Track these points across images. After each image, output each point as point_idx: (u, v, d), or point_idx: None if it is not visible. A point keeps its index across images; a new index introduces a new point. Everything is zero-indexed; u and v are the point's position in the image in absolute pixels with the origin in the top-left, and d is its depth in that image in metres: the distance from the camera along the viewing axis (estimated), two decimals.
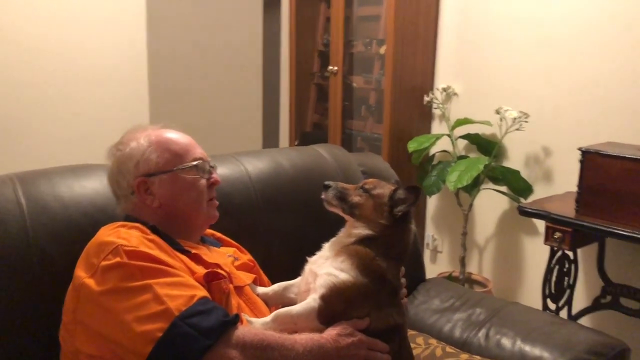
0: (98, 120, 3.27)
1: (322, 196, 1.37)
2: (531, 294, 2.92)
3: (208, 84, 4.06)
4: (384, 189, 1.36)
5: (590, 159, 2.26)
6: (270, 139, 4.46)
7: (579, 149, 2.28)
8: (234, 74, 4.20)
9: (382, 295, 1.32)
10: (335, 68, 3.46)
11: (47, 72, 3.10)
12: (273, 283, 1.46)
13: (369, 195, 1.35)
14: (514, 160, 2.97)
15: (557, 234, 2.32)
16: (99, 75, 3.24)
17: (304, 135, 3.99)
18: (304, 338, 1.18)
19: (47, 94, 3.12)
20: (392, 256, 1.34)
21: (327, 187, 1.37)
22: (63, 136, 3.19)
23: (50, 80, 3.12)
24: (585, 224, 2.23)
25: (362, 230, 1.33)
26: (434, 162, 3.18)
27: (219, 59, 4.12)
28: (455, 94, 3.17)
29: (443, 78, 3.24)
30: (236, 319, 1.13)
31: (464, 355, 1.57)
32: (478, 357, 1.56)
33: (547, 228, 2.36)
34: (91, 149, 2.79)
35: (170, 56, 3.82)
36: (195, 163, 1.34)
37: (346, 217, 1.37)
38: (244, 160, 1.79)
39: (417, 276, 1.99)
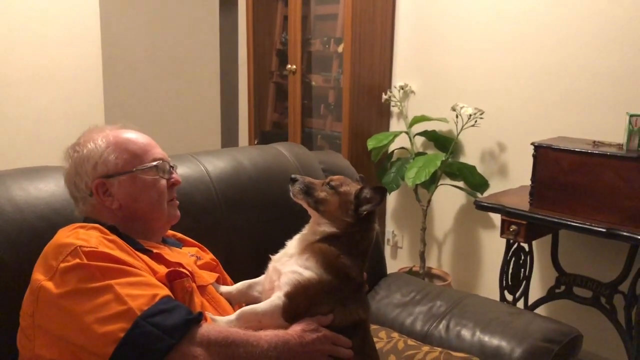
0: (51, 122, 3.19)
1: (289, 189, 1.38)
2: (489, 286, 2.99)
3: (164, 83, 4.02)
4: (350, 187, 1.37)
5: (543, 153, 2.33)
6: (229, 139, 4.43)
7: (532, 143, 2.35)
8: (191, 73, 4.16)
9: (347, 292, 1.34)
10: (294, 67, 3.47)
11: None
12: (236, 282, 1.46)
13: (335, 192, 1.36)
14: (470, 156, 3.04)
15: (513, 227, 2.38)
16: (52, 74, 3.16)
17: (264, 135, 3.99)
18: (268, 334, 1.19)
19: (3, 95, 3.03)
20: (355, 254, 1.36)
21: (294, 181, 1.39)
22: (15, 138, 3.10)
23: (1, 79, 3.03)
24: (539, 216, 2.30)
25: (326, 228, 1.34)
26: (393, 159, 3.22)
27: (176, 57, 4.08)
28: (412, 91, 3.22)
29: (400, 76, 3.28)
30: (200, 317, 1.12)
31: (426, 348, 1.60)
32: (439, 348, 1.59)
33: (503, 221, 2.43)
34: (45, 151, 2.74)
35: (125, 55, 3.76)
36: (155, 163, 1.33)
37: (311, 211, 1.38)
38: (203, 160, 1.78)
39: (378, 271, 2.02)
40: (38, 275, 1.13)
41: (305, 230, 1.40)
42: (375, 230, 1.40)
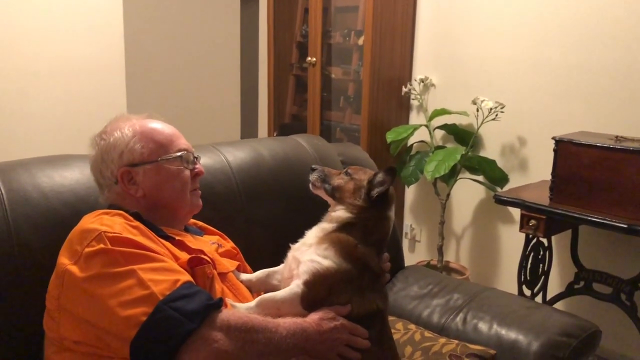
0: (74, 113, 3.24)
1: (309, 178, 1.43)
2: (507, 281, 2.98)
3: (186, 75, 4.05)
4: (366, 174, 1.41)
5: (564, 148, 2.31)
6: (248, 131, 4.46)
7: (553, 138, 2.33)
8: (212, 65, 4.19)
9: (364, 282, 1.35)
10: (314, 59, 3.48)
11: (23, 62, 3.06)
12: (254, 271, 1.48)
13: (350, 179, 1.40)
14: (490, 150, 3.02)
15: (532, 222, 2.37)
16: (76, 66, 3.21)
17: (283, 127, 4.00)
18: (287, 322, 1.21)
19: (23, 86, 3.09)
20: (372, 243, 1.37)
21: (313, 170, 1.44)
22: (39, 127, 3.16)
23: (26, 70, 3.08)
24: (559, 211, 2.29)
25: (341, 213, 1.37)
26: (412, 153, 3.22)
27: (197, 49, 4.11)
28: (432, 85, 3.21)
29: (421, 69, 3.27)
30: (220, 303, 1.14)
31: (442, 340, 1.61)
32: (456, 340, 1.60)
33: (522, 216, 2.42)
34: (68, 141, 2.79)
35: (147, 48, 3.80)
36: (179, 154, 1.35)
37: (328, 198, 1.42)
38: (224, 151, 1.80)
39: (396, 264, 2.02)
40: (63, 260, 1.16)
41: (323, 219, 1.43)
42: (392, 220, 1.42)
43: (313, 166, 1.45)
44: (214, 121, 4.17)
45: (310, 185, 1.43)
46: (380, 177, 1.38)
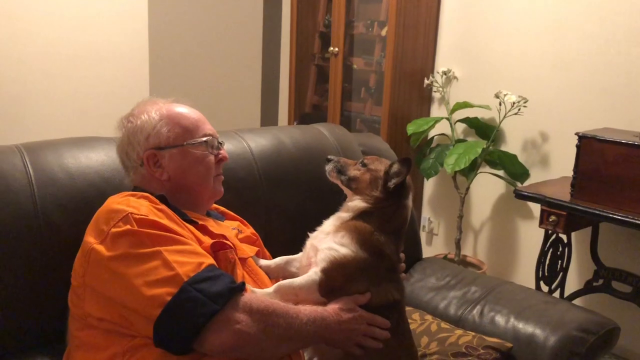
0: (97, 96, 3.28)
1: (325, 168, 1.44)
2: (524, 277, 2.97)
3: (208, 62, 4.07)
4: (382, 164, 1.42)
5: (587, 144, 2.29)
6: (269, 120, 4.47)
7: (576, 133, 2.31)
8: (234, 53, 4.20)
9: (381, 271, 1.36)
10: (336, 49, 3.47)
11: (49, 46, 3.10)
12: (273, 257, 1.50)
13: (366, 169, 1.41)
14: (511, 145, 3.00)
15: (552, 218, 2.36)
16: (100, 50, 3.25)
17: (303, 116, 4.01)
18: (307, 309, 1.22)
19: (49, 69, 3.13)
20: (389, 231, 1.38)
21: (329, 161, 1.45)
22: (64, 110, 3.20)
23: (51, 53, 3.13)
24: (580, 207, 2.27)
25: (358, 203, 1.38)
26: (432, 145, 3.20)
27: (220, 37, 4.12)
28: (455, 77, 3.19)
29: (443, 61, 3.25)
30: (243, 286, 1.16)
31: (459, 331, 1.61)
32: (472, 332, 1.60)
33: (542, 211, 2.40)
34: (91, 125, 2.82)
35: (171, 34, 3.82)
36: (205, 139, 1.36)
37: (344, 189, 1.43)
38: (246, 137, 1.81)
39: (413, 255, 2.03)
40: (89, 239, 1.18)
41: (341, 209, 1.44)
42: (409, 208, 1.42)
43: (329, 157, 1.45)
44: (234, 109, 4.18)
45: (327, 175, 1.44)
46: (396, 167, 1.38)
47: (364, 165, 1.41)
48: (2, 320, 1.31)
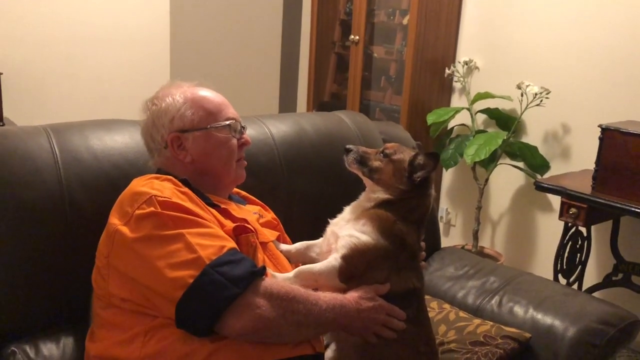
0: (119, 80, 3.31)
1: (344, 159, 1.40)
2: (542, 269, 2.95)
3: (228, 48, 4.08)
4: (404, 154, 1.38)
5: (610, 137, 2.26)
6: (287, 108, 4.47)
7: (599, 125, 2.29)
8: (254, 40, 4.20)
9: (402, 259, 1.36)
10: (357, 37, 3.46)
11: (72, 30, 3.13)
12: (293, 242, 1.50)
13: (389, 160, 1.37)
14: (532, 136, 2.98)
15: (572, 210, 2.34)
16: (123, 34, 3.27)
17: (322, 105, 4.00)
18: (327, 296, 1.23)
19: (72, 53, 3.16)
20: (411, 220, 1.37)
21: (348, 151, 1.40)
22: (86, 94, 3.24)
23: (75, 39, 3.16)
24: (601, 200, 2.25)
25: (380, 195, 1.36)
26: (452, 136, 3.19)
27: (240, 24, 4.12)
28: (476, 67, 3.16)
29: (465, 51, 3.23)
30: (264, 271, 1.17)
31: (477, 320, 1.61)
32: (490, 322, 1.60)
33: (563, 204, 2.39)
34: (112, 107, 2.85)
35: (191, 20, 3.83)
36: (228, 122, 1.37)
37: (365, 180, 1.40)
38: (268, 123, 1.81)
39: (432, 244, 2.02)
40: (114, 220, 1.20)
41: (361, 197, 1.43)
42: (432, 196, 1.41)
43: (347, 146, 1.40)
44: (253, 96, 4.18)
45: (347, 165, 1.40)
46: (421, 159, 1.35)
47: (386, 155, 1.38)
48: (27, 298, 1.33)
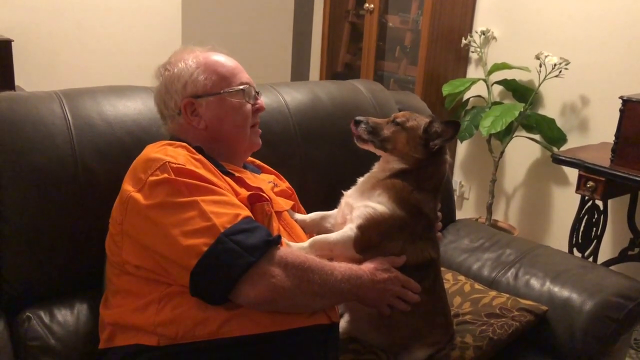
0: (131, 48, 3.28)
1: (353, 131, 1.36)
2: (557, 243, 2.91)
3: (240, 16, 4.02)
4: (418, 121, 1.35)
5: (631, 108, 2.21)
6: (300, 78, 4.42)
7: (621, 97, 2.23)
8: (266, 8, 4.14)
9: (418, 229, 1.34)
10: (372, 6, 3.39)
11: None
12: (308, 212, 1.49)
13: (401, 128, 1.34)
14: (549, 109, 2.92)
15: (590, 184, 2.30)
16: (134, 2, 3.23)
17: (335, 75, 3.95)
18: (342, 266, 1.22)
19: (83, 21, 3.13)
20: (427, 189, 1.35)
21: (358, 123, 1.36)
22: (98, 62, 3.21)
23: (87, 6, 3.12)
24: (620, 174, 2.21)
25: (395, 165, 1.34)
26: (468, 107, 3.14)
27: None
28: (494, 37, 3.09)
29: (482, 21, 3.15)
30: (278, 240, 1.15)
31: (493, 293, 1.59)
32: (506, 294, 1.58)
33: (580, 177, 2.35)
34: (124, 75, 2.83)
35: None
36: (242, 87, 1.34)
37: (378, 152, 1.37)
38: (282, 91, 1.78)
39: (447, 216, 2.00)
40: (127, 187, 1.18)
41: (375, 168, 1.40)
42: (447, 162, 1.38)
43: (357, 118, 1.36)
44: (265, 65, 4.13)
45: (356, 139, 1.37)
46: (438, 127, 1.32)
47: (397, 124, 1.34)
48: (41, 264, 1.33)
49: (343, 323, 1.40)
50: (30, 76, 3.00)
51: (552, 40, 2.84)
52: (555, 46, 2.79)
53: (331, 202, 1.44)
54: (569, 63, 2.66)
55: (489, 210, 3.05)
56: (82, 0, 3.10)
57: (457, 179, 3.45)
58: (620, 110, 2.24)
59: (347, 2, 3.86)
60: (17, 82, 2.88)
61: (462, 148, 3.38)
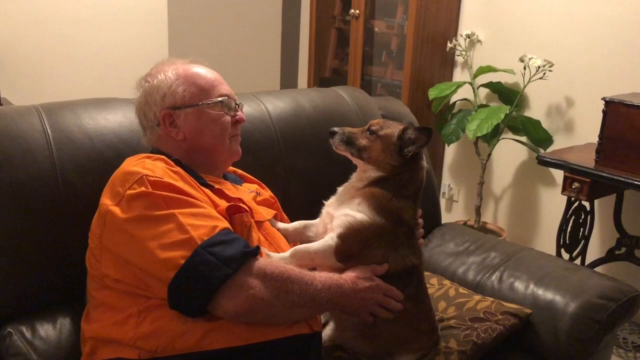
0: (117, 58, 3.27)
1: (330, 142, 1.38)
2: (545, 244, 2.93)
3: (227, 25, 4.03)
4: (392, 129, 1.35)
5: (614, 109, 2.22)
6: (288, 84, 4.43)
7: (603, 98, 2.25)
8: (254, 16, 4.15)
9: (399, 236, 1.34)
10: (357, 11, 3.40)
11: (68, 9, 3.09)
12: (291, 221, 1.49)
13: (376, 137, 1.35)
14: (535, 110, 2.94)
15: (575, 184, 2.31)
16: (119, 13, 3.23)
17: (323, 81, 3.96)
18: (323, 276, 1.22)
19: (68, 31, 3.13)
20: (406, 195, 1.35)
21: (333, 134, 1.38)
22: (83, 73, 3.20)
23: (71, 17, 3.12)
24: (604, 174, 2.22)
25: (372, 173, 1.35)
26: (454, 111, 3.15)
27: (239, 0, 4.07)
28: (479, 41, 3.11)
29: (467, 24, 3.17)
30: (257, 251, 1.15)
31: (477, 297, 1.60)
32: (490, 298, 1.59)
33: (566, 178, 2.36)
34: (110, 86, 2.83)
35: None
36: (220, 99, 1.34)
37: (356, 161, 1.38)
38: (264, 100, 1.79)
39: (432, 220, 2.01)
40: (106, 200, 1.18)
41: (353, 177, 1.41)
42: (425, 169, 1.39)
43: (332, 129, 1.38)
44: (253, 73, 4.15)
45: (334, 148, 1.38)
46: (412, 133, 1.32)
47: (372, 132, 1.35)
48: (22, 279, 1.32)
49: (328, 331, 1.40)
50: (17, 89, 3.00)
51: (536, 42, 2.86)
52: (540, 48, 2.81)
53: (315, 210, 1.44)
54: (553, 65, 2.68)
55: (478, 212, 3.06)
56: (67, 12, 3.09)
57: (446, 181, 3.46)
58: (603, 112, 2.26)
59: (333, 8, 3.88)
60: (3, 94, 2.87)
61: (450, 151, 3.39)
